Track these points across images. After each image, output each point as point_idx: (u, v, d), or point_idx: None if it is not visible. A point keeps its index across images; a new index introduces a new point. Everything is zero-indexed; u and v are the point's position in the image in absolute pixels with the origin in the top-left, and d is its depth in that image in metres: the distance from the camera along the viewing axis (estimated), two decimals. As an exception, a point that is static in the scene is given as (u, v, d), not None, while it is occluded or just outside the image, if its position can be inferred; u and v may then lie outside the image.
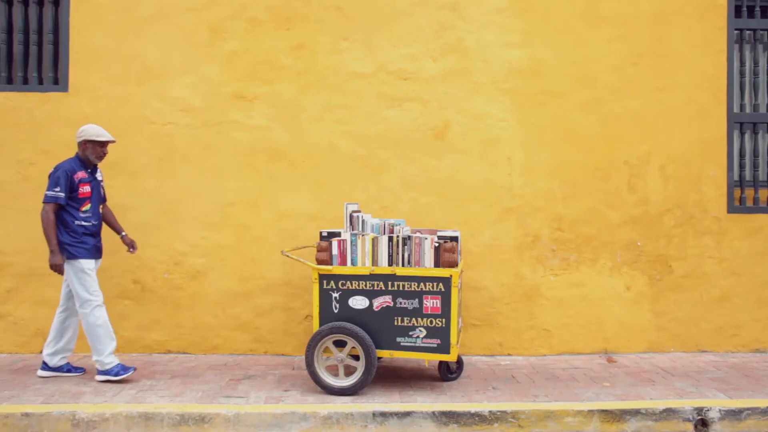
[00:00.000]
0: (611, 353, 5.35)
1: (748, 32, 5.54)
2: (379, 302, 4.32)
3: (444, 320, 4.25)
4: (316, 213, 5.29)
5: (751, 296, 5.42)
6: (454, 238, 4.38)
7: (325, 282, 4.35)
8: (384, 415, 3.98)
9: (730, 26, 5.42)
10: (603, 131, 5.37)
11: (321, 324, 4.35)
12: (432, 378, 4.71)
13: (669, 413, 4.04)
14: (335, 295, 4.34)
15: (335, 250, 4.38)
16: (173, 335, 5.27)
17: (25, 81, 5.35)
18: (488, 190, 5.35)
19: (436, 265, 4.31)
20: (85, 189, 4.53)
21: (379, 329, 4.30)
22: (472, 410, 4.01)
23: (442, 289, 4.25)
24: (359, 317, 4.32)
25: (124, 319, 5.25)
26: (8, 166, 5.24)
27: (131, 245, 4.84)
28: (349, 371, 4.44)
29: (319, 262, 4.40)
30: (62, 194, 4.42)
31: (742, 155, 5.52)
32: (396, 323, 4.30)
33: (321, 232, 4.58)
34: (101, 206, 4.77)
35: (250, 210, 5.28)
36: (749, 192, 5.58)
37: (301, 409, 4.02)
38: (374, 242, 4.37)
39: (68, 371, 4.68)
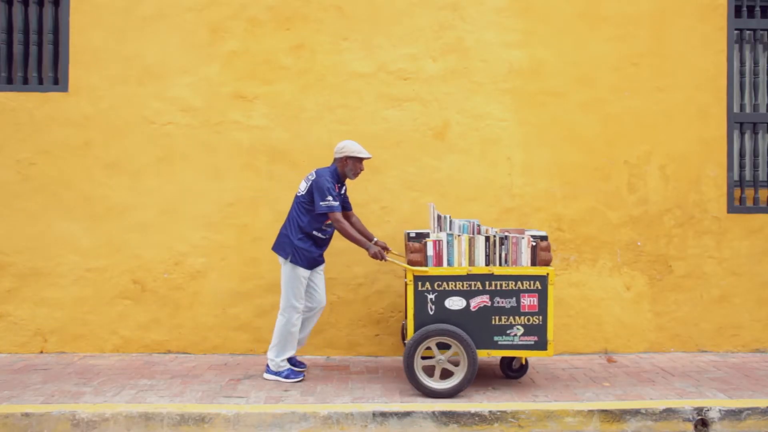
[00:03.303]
0: (611, 353, 5.35)
1: (748, 32, 5.54)
2: (476, 302, 4.32)
3: (541, 317, 4.30)
4: (316, 213, 5.29)
5: (751, 296, 5.42)
6: (544, 237, 4.42)
7: (420, 283, 4.31)
8: (384, 415, 3.98)
9: (730, 26, 5.42)
10: (603, 131, 5.37)
11: (416, 326, 4.31)
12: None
13: (669, 413, 4.05)
14: (431, 296, 4.31)
15: (431, 251, 4.35)
16: (173, 335, 5.27)
17: (25, 81, 5.35)
18: (488, 190, 5.35)
19: (532, 263, 4.35)
20: None
21: (476, 329, 4.30)
22: (472, 410, 4.01)
23: (539, 287, 4.30)
24: (455, 318, 4.30)
25: (124, 319, 5.25)
26: (8, 166, 5.23)
27: (385, 249, 4.82)
28: (429, 371, 4.38)
29: (412, 263, 4.36)
30: (336, 203, 4.44)
31: (742, 155, 5.52)
32: (493, 322, 4.31)
33: (408, 233, 4.59)
34: (349, 214, 4.82)
35: (250, 210, 5.28)
36: (749, 192, 5.57)
37: (301, 409, 4.02)
38: (470, 242, 4.37)
39: (294, 365, 4.78)
